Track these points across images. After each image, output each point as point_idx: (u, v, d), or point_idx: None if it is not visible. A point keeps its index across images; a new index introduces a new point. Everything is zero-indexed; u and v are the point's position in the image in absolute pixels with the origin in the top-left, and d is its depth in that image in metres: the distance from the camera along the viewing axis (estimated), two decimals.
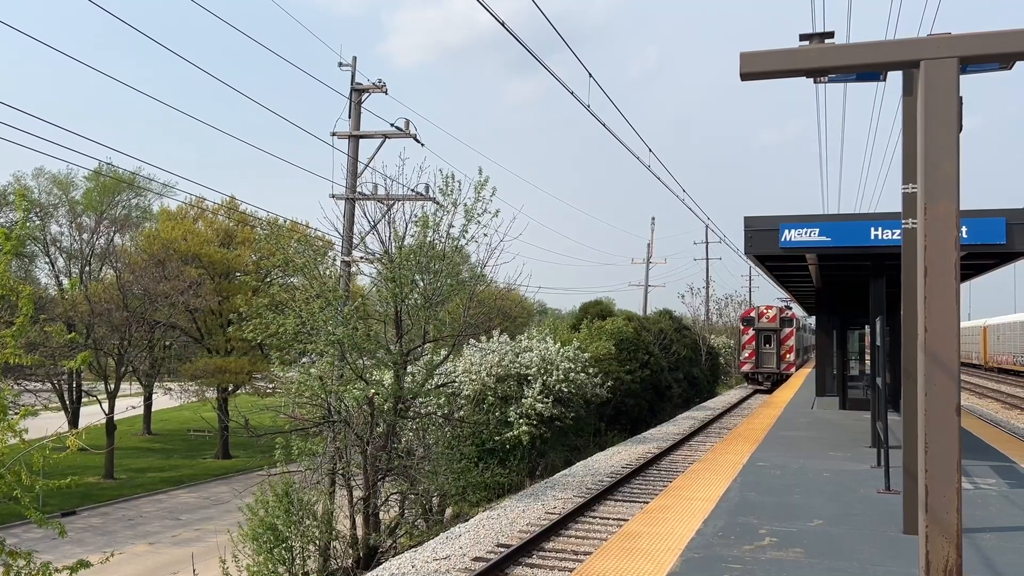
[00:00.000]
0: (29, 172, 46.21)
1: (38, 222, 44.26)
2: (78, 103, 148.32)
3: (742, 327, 45.60)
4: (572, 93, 12.94)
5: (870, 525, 8.91)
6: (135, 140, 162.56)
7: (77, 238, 46.09)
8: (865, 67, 5.94)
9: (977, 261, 15.06)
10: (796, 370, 44.14)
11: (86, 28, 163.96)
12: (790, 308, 44.88)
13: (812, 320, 54.09)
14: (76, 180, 46.39)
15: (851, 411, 21.19)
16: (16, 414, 7.79)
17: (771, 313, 44.25)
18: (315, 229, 21.59)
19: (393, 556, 15.23)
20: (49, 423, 13.54)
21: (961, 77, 5.34)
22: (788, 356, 43.53)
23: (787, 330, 43.75)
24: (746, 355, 44.52)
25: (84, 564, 8.29)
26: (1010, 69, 7.13)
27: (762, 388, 43.48)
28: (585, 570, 7.31)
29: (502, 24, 10.36)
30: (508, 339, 25.27)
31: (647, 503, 11.97)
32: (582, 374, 24.83)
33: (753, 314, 45.11)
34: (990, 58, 5.38)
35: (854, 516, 9.38)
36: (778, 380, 42.32)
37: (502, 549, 13.31)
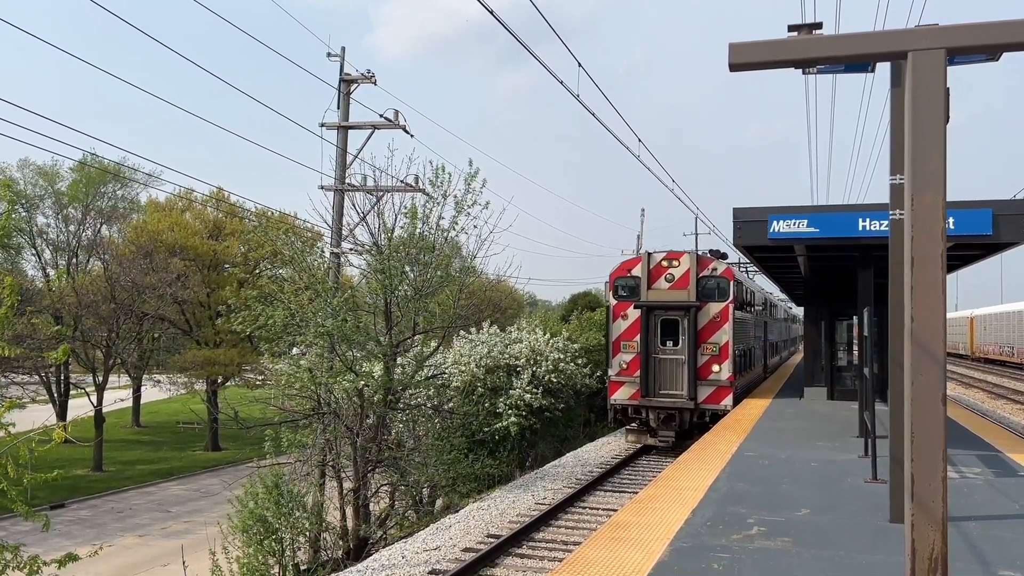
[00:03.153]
0: (14, 163, 45.87)
1: (24, 213, 43.91)
2: (85, 99, 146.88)
3: (613, 302, 21.89)
4: (562, 83, 12.92)
5: (857, 514, 8.98)
6: (149, 139, 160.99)
7: (64, 230, 45.77)
8: (853, 58, 5.95)
9: (964, 252, 15.16)
10: (734, 400, 20.69)
11: (87, 20, 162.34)
12: (723, 258, 22.77)
13: (781, 296, 38.68)
14: (62, 171, 46.04)
15: (839, 401, 21.32)
16: (0, 407, 7.74)
17: (678, 269, 21.13)
18: (304, 220, 21.54)
19: (383, 547, 15.26)
20: (37, 416, 13.49)
21: (949, 68, 5.35)
22: (715, 367, 20.57)
23: (716, 308, 20.73)
24: (624, 365, 21.31)
25: (72, 557, 8.26)
26: (997, 60, 7.16)
27: (658, 443, 20.98)
28: (575, 560, 7.34)
29: (490, 12, 10.32)
30: (498, 330, 25.29)
31: (636, 493, 12.01)
32: (572, 364, 24.88)
33: (637, 272, 21.49)
34: (977, 49, 5.39)
35: (842, 505, 9.45)
36: (694, 423, 20.54)
37: (492, 540, 13.35)
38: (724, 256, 23.14)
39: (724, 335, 20.58)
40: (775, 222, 13.19)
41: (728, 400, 20.46)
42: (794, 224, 13.12)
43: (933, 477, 5.48)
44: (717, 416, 19.91)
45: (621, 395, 21.27)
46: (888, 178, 8.25)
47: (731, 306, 20.69)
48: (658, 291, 21.20)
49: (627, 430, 22.37)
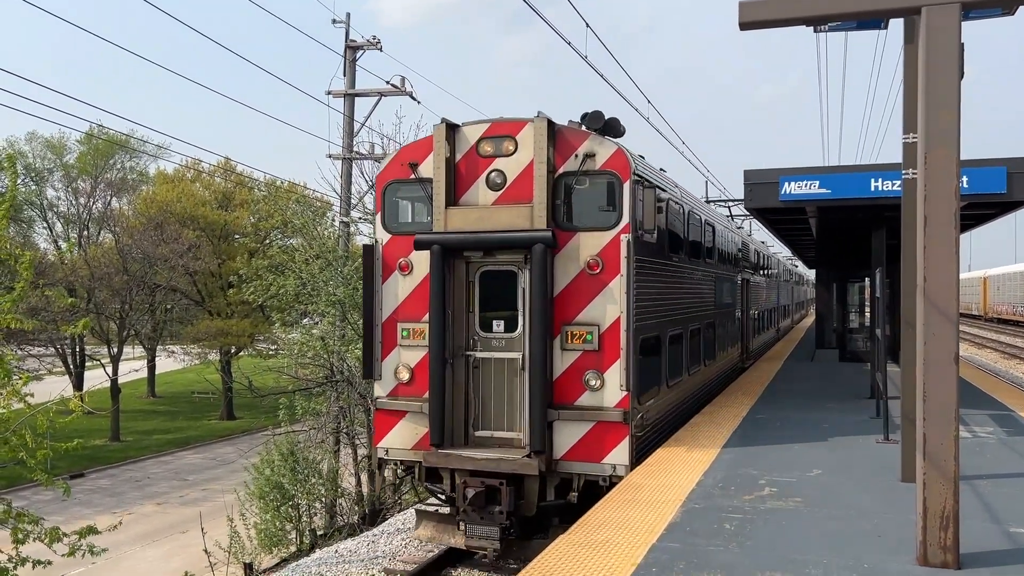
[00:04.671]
0: (22, 136, 45.92)
1: (34, 187, 44.04)
2: (89, 71, 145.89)
3: (383, 238, 10.46)
4: (569, 44, 12.78)
5: (868, 474, 9.01)
6: (154, 111, 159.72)
7: (74, 202, 45.92)
8: (866, 14, 5.86)
9: (977, 211, 15.00)
10: (636, 448, 9.75)
11: None
12: (612, 134, 9.82)
13: (783, 252, 33.61)
14: (69, 144, 46.05)
15: (851, 363, 21.31)
16: (19, 379, 7.85)
17: (513, 158, 9.81)
18: (313, 190, 21.53)
19: (398, 512, 15.46)
20: (54, 387, 13.66)
21: (963, 23, 5.26)
22: (591, 379, 9.61)
23: (594, 243, 9.60)
24: (402, 375, 10.30)
25: (92, 530, 8.43)
26: (1013, 14, 7.02)
27: (469, 548, 9.93)
28: (588, 520, 7.41)
29: None
30: None
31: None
32: None
33: (428, 169, 10.09)
34: (993, 3, 5.31)
35: (853, 466, 9.48)
36: (547, 504, 9.82)
37: None
38: (614, 130, 10.03)
39: (610, 304, 9.71)
40: (786, 184, 13.06)
41: (620, 452, 9.69)
42: (806, 185, 12.99)
43: (945, 435, 5.50)
44: (598, 488, 9.56)
45: (396, 440, 10.50)
46: (901, 137, 8.14)
47: (626, 238, 9.64)
48: (472, 209, 10.10)
49: (418, 514, 11.20)
